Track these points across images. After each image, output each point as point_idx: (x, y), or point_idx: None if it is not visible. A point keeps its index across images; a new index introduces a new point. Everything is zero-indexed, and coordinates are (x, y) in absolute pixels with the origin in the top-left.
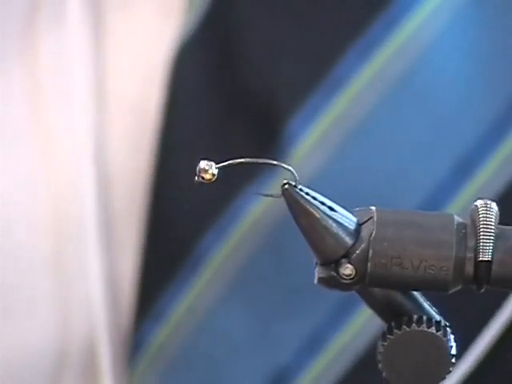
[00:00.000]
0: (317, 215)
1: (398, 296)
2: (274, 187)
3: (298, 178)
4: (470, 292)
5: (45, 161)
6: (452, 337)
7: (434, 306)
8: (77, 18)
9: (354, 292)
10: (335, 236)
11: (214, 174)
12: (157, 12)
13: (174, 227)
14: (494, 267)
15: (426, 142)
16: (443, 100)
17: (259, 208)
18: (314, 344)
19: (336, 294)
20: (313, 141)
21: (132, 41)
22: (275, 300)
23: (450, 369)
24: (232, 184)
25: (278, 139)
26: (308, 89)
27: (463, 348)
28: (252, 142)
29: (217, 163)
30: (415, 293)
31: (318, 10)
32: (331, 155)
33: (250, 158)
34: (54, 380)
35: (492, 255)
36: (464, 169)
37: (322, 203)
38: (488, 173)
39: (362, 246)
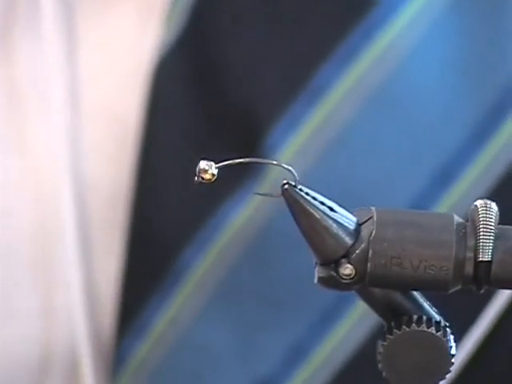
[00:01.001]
0: (317, 215)
1: (397, 296)
2: (256, 200)
3: (297, 177)
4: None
5: (23, 170)
6: (452, 337)
7: (434, 305)
8: (51, 25)
9: (336, 302)
10: (335, 236)
11: (213, 174)
12: (134, 20)
13: (155, 239)
14: (494, 267)
15: (406, 150)
16: (423, 108)
17: (241, 219)
18: (296, 355)
19: (318, 305)
20: (293, 150)
21: (107, 49)
22: (257, 311)
23: (450, 369)
24: (213, 196)
25: (258, 149)
26: (288, 98)
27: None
28: (233, 151)
29: (216, 163)
30: (415, 293)
31: (296, 20)
32: (312, 164)
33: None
34: None
35: (492, 255)
36: (445, 176)
37: (322, 203)
38: (469, 180)
39: (362, 246)
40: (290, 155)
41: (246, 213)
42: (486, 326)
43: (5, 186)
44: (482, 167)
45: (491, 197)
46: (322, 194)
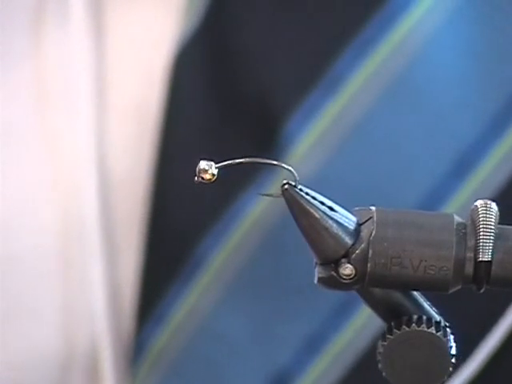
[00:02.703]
0: (317, 215)
1: (397, 296)
2: (273, 189)
3: (297, 177)
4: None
5: (49, 164)
6: (452, 337)
7: (435, 306)
8: (80, 18)
9: (353, 292)
10: (335, 236)
11: (213, 174)
12: (157, 14)
13: (173, 231)
14: (494, 267)
15: (424, 140)
16: (441, 98)
17: (257, 210)
18: (314, 345)
19: (335, 295)
20: (311, 140)
21: (133, 43)
22: (275, 301)
23: (450, 369)
24: (231, 186)
25: (276, 139)
26: (305, 88)
27: (469, 349)
28: (251, 142)
29: (216, 163)
30: (415, 293)
31: (314, 9)
32: (329, 154)
33: (250, 157)
34: None
35: (492, 255)
36: (462, 166)
37: (322, 203)
38: (487, 170)
39: (362, 246)
40: (307, 145)
41: (263, 203)
42: (505, 329)
43: (32, 183)
44: (500, 157)
45: (508, 187)
46: (322, 194)
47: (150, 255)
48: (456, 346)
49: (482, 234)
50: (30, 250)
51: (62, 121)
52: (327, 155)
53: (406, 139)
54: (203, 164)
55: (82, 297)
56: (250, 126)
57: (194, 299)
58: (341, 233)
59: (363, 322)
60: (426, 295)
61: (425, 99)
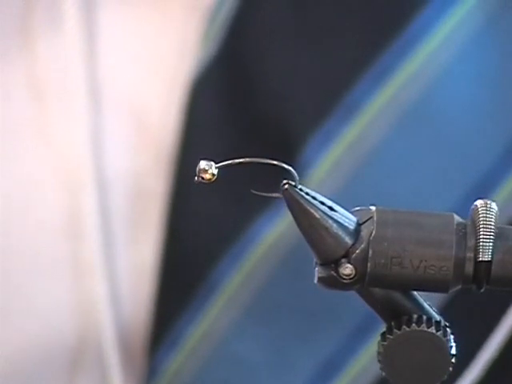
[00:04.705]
0: (317, 215)
1: (397, 296)
2: (289, 215)
3: (297, 177)
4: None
5: (46, 164)
6: (452, 337)
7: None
8: (71, 18)
9: (370, 315)
10: (335, 236)
11: (213, 174)
12: (153, 18)
13: (189, 254)
14: (494, 267)
15: (439, 168)
16: (456, 126)
17: (273, 234)
18: (329, 369)
19: (352, 318)
20: (327, 166)
21: (128, 44)
22: (290, 325)
23: (450, 369)
24: (246, 210)
25: (293, 165)
26: (322, 115)
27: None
28: (267, 168)
29: (216, 163)
30: (415, 293)
31: (331, 37)
32: (345, 181)
33: (250, 157)
34: None
35: (492, 255)
36: (477, 194)
37: (322, 203)
38: (502, 198)
39: (362, 245)
40: (323, 171)
41: (279, 227)
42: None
43: (28, 178)
44: None
45: None
46: (321, 194)
47: (165, 277)
48: (457, 347)
49: (481, 233)
50: (31, 246)
51: (59, 119)
52: (343, 180)
53: (422, 167)
54: (203, 164)
55: (89, 299)
56: (267, 152)
57: (208, 323)
58: (341, 233)
59: None
60: (426, 295)
61: (441, 127)
